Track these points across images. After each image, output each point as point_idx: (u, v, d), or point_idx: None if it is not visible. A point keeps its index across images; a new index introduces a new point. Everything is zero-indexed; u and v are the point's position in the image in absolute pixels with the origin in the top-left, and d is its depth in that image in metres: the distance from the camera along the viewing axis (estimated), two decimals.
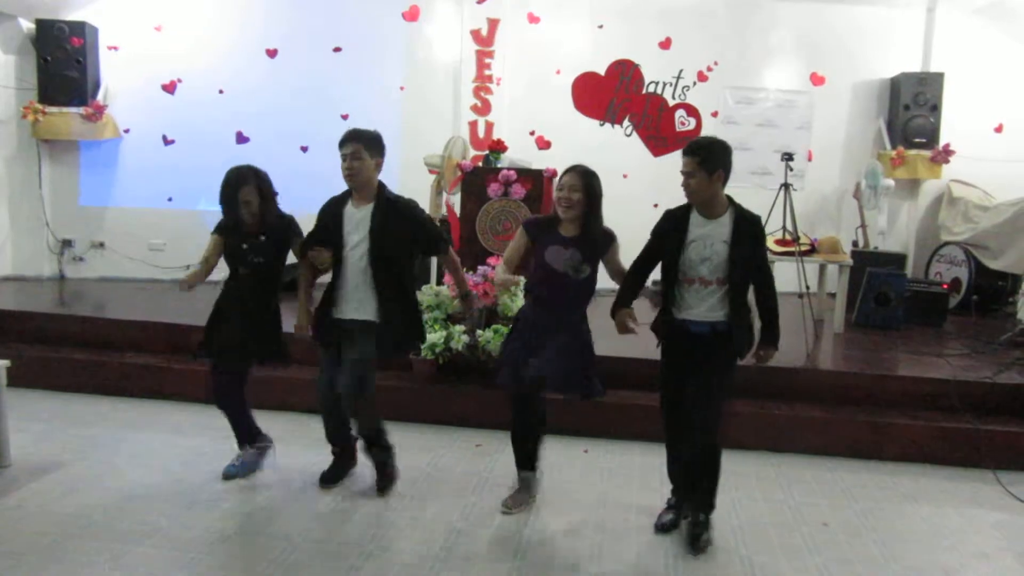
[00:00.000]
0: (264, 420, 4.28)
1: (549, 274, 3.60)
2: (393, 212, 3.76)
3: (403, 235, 3.78)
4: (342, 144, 3.78)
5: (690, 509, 3.56)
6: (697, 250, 3.39)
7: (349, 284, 3.78)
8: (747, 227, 3.39)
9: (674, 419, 3.57)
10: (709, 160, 3.33)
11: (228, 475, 4.02)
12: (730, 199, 3.46)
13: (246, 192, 3.86)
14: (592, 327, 3.76)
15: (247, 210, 3.86)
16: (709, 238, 3.38)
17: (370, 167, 3.78)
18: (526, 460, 3.83)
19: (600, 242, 3.65)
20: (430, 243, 3.93)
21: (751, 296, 3.51)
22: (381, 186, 3.85)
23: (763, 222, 3.52)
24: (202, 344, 4.00)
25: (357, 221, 3.76)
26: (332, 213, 3.84)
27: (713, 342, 3.40)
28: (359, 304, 3.76)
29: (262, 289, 4.00)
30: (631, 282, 3.65)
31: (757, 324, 3.53)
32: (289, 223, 4.00)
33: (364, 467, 4.07)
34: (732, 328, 3.40)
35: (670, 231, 3.48)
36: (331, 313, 3.83)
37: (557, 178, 3.57)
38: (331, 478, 4.03)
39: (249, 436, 4.15)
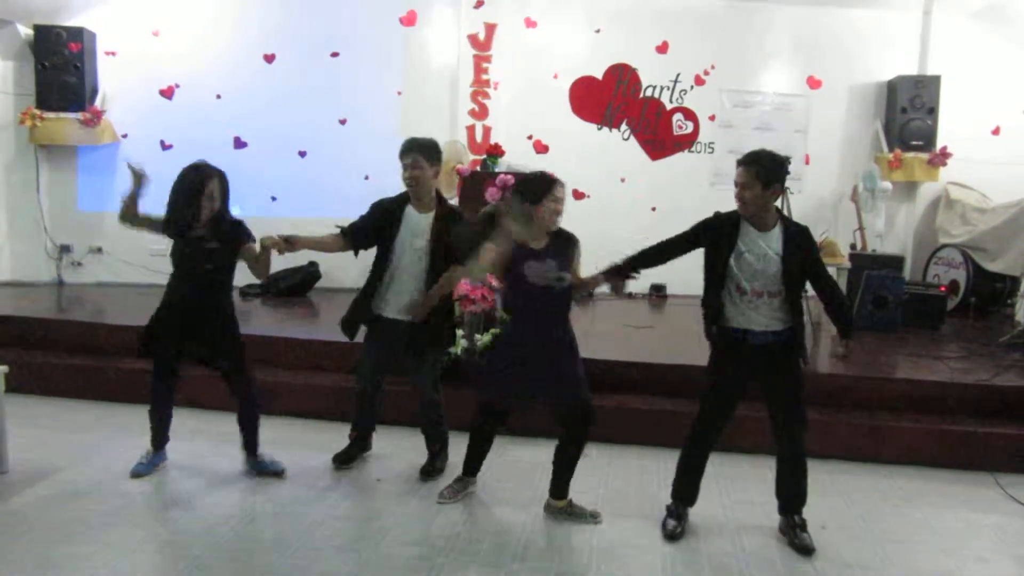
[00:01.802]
0: (262, 426, 4.28)
1: (531, 290, 3.54)
2: (452, 223, 3.96)
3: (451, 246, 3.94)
4: (402, 155, 3.99)
5: (786, 513, 3.60)
6: (750, 263, 3.38)
7: (398, 284, 4.01)
8: (799, 239, 3.43)
9: (716, 429, 3.61)
10: (764, 173, 3.34)
11: (137, 474, 4.07)
12: (778, 210, 3.49)
13: (211, 187, 3.89)
14: (594, 332, 3.78)
15: (208, 206, 3.87)
16: (761, 251, 3.38)
17: (429, 175, 3.98)
18: (476, 467, 3.96)
19: (567, 246, 3.66)
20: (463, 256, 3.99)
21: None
22: (439, 195, 4.09)
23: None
24: (143, 344, 4.05)
25: (415, 226, 3.98)
26: (390, 214, 3.99)
27: (776, 351, 3.45)
28: (408, 307, 3.99)
29: (212, 293, 3.99)
30: (651, 256, 3.61)
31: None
32: (240, 227, 4.01)
33: (362, 465, 4.07)
34: (795, 336, 3.46)
35: (720, 239, 3.44)
36: (372, 307, 4.04)
37: (552, 195, 3.56)
38: (346, 459, 4.29)
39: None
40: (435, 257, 3.95)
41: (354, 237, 4.03)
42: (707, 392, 3.63)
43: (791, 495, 3.60)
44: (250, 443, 4.19)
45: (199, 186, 3.87)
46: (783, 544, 3.58)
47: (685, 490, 3.70)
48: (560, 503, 3.76)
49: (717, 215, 3.55)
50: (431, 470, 4.23)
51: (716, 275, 3.45)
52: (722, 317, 3.49)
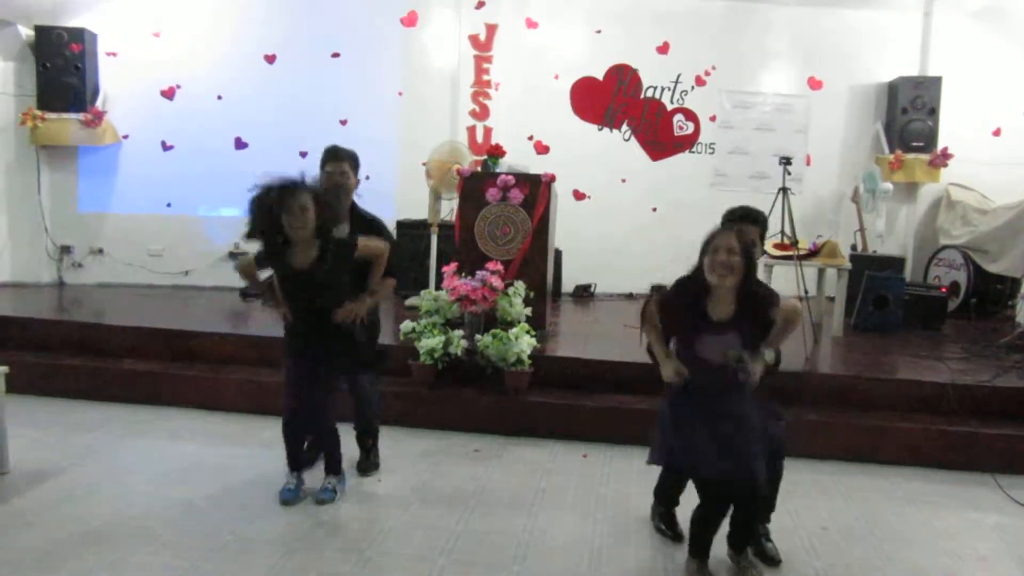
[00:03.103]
0: (260, 425, 4.28)
1: (703, 365, 2.96)
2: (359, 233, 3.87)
3: None
4: (327, 162, 4.02)
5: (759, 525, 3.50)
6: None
7: None
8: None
9: None
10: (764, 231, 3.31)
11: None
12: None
13: (303, 201, 3.46)
14: (594, 333, 3.74)
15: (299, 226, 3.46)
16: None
17: (352, 184, 4.02)
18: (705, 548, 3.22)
19: (761, 313, 2.95)
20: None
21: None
22: (354, 205, 4.06)
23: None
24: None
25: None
26: None
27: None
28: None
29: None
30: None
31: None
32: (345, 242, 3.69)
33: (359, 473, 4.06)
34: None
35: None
36: None
37: (709, 238, 2.93)
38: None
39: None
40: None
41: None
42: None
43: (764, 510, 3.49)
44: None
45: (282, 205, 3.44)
46: (785, 542, 3.57)
47: (673, 495, 3.66)
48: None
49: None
50: (370, 466, 4.23)
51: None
52: None
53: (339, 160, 3.99)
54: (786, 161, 6.79)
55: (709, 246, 2.91)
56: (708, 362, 2.94)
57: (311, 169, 3.79)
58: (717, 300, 2.93)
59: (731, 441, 2.93)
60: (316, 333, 3.64)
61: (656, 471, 3.67)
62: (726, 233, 2.93)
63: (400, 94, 8.51)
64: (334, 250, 3.54)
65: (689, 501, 3.84)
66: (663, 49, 8.73)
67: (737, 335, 2.90)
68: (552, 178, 5.97)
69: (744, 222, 3.31)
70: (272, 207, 3.44)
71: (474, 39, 8.50)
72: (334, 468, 3.90)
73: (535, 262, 5.89)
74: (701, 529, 3.15)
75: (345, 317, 3.61)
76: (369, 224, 3.99)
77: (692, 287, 2.95)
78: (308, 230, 3.46)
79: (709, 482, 3.05)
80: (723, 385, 2.95)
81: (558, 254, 7.60)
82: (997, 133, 8.77)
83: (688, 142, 8.93)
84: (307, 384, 3.73)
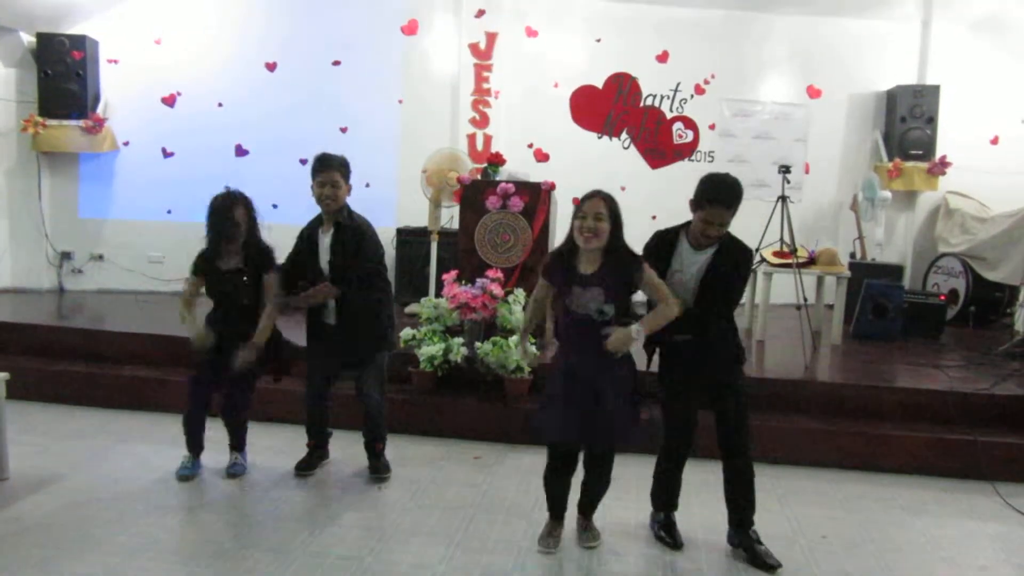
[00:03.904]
0: (263, 432, 4.28)
1: (574, 319, 3.24)
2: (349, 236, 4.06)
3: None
4: (317, 171, 4.01)
5: (743, 527, 3.54)
6: (681, 280, 3.39)
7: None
8: (730, 259, 3.40)
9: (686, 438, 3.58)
10: (738, 204, 3.34)
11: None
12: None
13: (237, 213, 3.97)
14: None
15: (235, 232, 3.97)
16: (693, 266, 3.39)
17: (344, 193, 4.04)
18: (558, 508, 3.60)
19: (626, 272, 3.22)
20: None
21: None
22: (347, 210, 4.11)
23: (759, 235, 3.54)
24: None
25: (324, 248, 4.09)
26: (310, 240, 4.18)
27: (708, 350, 3.41)
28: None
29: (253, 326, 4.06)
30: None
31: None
32: (265, 254, 4.12)
33: (355, 476, 4.06)
34: (720, 337, 3.44)
35: (657, 257, 3.44)
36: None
37: (580, 203, 3.22)
38: (308, 467, 4.31)
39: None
40: (335, 272, 4.03)
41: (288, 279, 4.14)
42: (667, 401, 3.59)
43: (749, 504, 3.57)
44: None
45: (226, 212, 3.94)
46: (784, 551, 3.57)
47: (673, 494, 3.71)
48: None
49: (657, 237, 3.57)
50: (382, 467, 4.28)
51: None
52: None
53: (329, 169, 3.97)
54: (785, 169, 6.80)
55: (579, 211, 3.21)
56: (576, 315, 3.21)
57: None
58: (585, 259, 3.23)
59: (584, 409, 3.21)
60: (229, 333, 4.02)
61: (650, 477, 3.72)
62: (595, 200, 3.19)
63: (400, 102, 8.53)
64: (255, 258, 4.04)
65: (689, 507, 3.85)
66: (662, 57, 8.76)
67: (601, 290, 3.17)
68: (552, 186, 5.99)
69: (717, 206, 3.32)
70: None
71: (474, 47, 8.52)
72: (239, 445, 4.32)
73: (535, 270, 5.89)
74: (545, 486, 3.53)
75: (245, 361, 3.98)
76: (354, 231, 4.04)
77: (565, 248, 3.29)
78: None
79: (555, 443, 3.40)
80: (591, 344, 3.18)
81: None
82: (995, 142, 8.79)
83: (687, 150, 8.94)
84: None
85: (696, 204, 3.36)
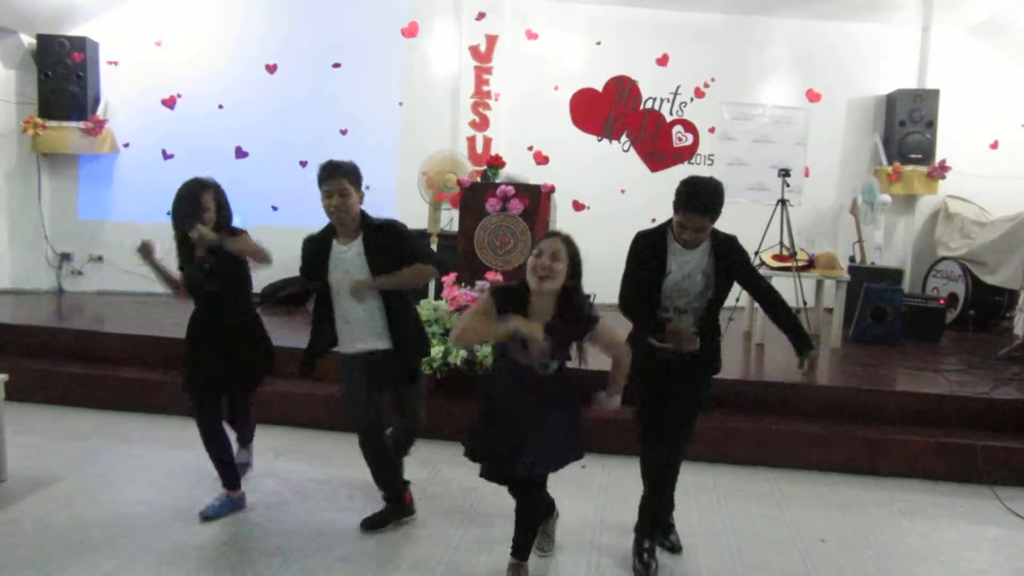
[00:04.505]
0: (261, 434, 4.28)
1: (513, 364, 2.99)
2: (384, 239, 3.53)
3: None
4: (324, 180, 3.49)
5: (658, 529, 3.51)
6: (675, 281, 3.29)
7: (350, 332, 3.59)
8: (726, 254, 3.29)
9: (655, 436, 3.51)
10: (719, 213, 3.22)
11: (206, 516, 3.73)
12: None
13: (206, 199, 3.70)
14: None
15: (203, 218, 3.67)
16: (686, 267, 3.29)
17: (355, 202, 3.51)
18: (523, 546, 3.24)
19: (580, 332, 2.99)
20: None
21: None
22: (364, 217, 3.58)
23: (749, 251, 3.48)
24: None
25: (344, 262, 3.53)
26: (319, 251, 3.60)
27: (684, 365, 3.33)
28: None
29: (223, 315, 3.79)
30: (645, 319, 3.35)
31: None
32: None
33: (358, 480, 4.06)
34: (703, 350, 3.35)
35: (648, 259, 3.32)
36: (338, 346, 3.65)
37: (536, 248, 2.97)
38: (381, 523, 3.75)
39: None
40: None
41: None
42: (638, 398, 3.49)
43: (667, 500, 3.57)
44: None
45: (194, 198, 3.69)
46: (783, 555, 3.57)
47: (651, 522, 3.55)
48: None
49: (640, 237, 3.41)
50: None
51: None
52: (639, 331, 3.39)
53: (336, 177, 3.46)
54: (785, 173, 6.81)
55: (535, 248, 2.98)
56: (517, 361, 2.97)
57: (311, 181, 3.77)
58: (539, 307, 2.94)
59: (511, 441, 2.95)
60: (206, 329, 3.82)
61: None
62: (554, 239, 2.96)
63: (400, 104, 8.54)
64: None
65: (687, 511, 3.84)
66: (662, 61, 8.77)
67: (548, 345, 2.88)
68: (551, 188, 5.99)
69: (691, 213, 3.16)
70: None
71: (474, 50, 8.53)
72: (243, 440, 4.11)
73: None
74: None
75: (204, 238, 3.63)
76: (385, 231, 3.54)
77: (517, 289, 3.00)
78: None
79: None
80: (526, 393, 2.97)
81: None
82: (995, 146, 8.80)
83: (687, 153, 8.95)
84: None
85: (674, 207, 3.27)
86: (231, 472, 3.82)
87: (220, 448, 3.77)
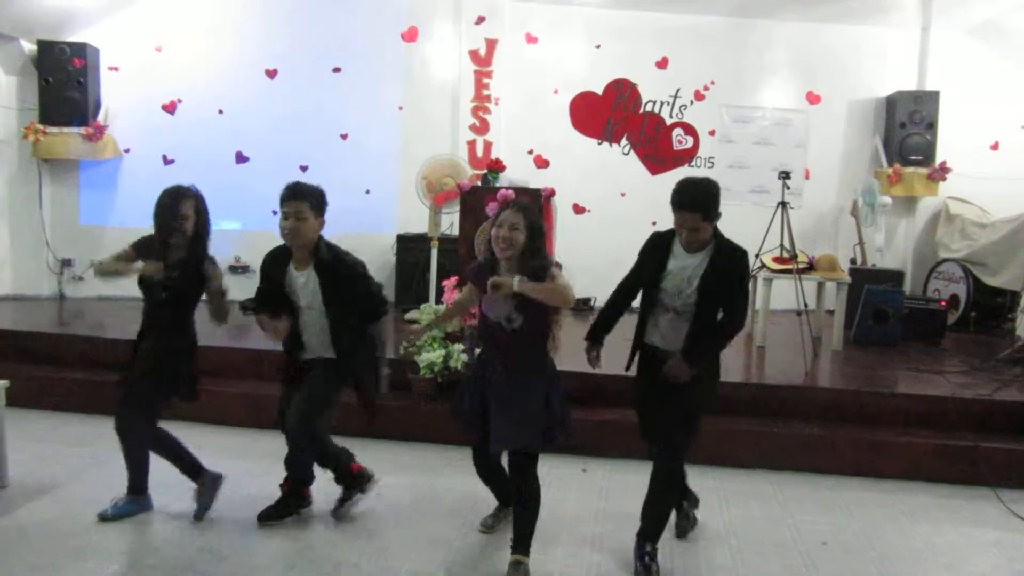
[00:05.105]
0: (260, 437, 4.27)
1: (488, 325, 3.35)
2: (334, 269, 3.62)
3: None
4: (285, 201, 3.59)
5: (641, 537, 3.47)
6: (673, 282, 3.35)
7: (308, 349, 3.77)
8: (724, 262, 3.31)
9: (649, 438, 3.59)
10: (711, 212, 3.26)
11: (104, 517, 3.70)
12: (715, 231, 3.37)
13: (186, 208, 3.73)
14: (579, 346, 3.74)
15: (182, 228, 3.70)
16: (686, 271, 3.33)
17: (312, 227, 3.60)
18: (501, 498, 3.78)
19: (537, 280, 3.20)
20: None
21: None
22: (319, 243, 3.66)
23: (750, 253, 3.47)
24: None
25: (301, 288, 3.65)
26: (277, 271, 3.72)
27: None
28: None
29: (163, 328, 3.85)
30: (610, 310, 3.65)
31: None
32: (204, 266, 3.74)
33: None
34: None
35: (651, 259, 3.45)
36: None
37: (497, 213, 3.33)
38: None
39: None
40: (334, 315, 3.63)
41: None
42: (634, 399, 3.65)
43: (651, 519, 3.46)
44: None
45: (173, 207, 3.70)
46: (785, 557, 3.57)
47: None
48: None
49: (653, 237, 3.56)
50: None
51: (645, 293, 3.49)
52: (642, 332, 3.51)
53: (296, 200, 3.54)
54: (785, 175, 6.81)
55: (496, 220, 3.30)
56: (489, 320, 3.32)
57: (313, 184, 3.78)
58: (505, 269, 3.28)
59: (487, 408, 3.33)
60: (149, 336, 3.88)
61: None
62: (513, 211, 3.26)
63: (400, 108, 8.54)
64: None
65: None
66: (662, 64, 8.78)
67: (511, 298, 3.19)
68: (552, 192, 5.99)
69: (681, 210, 3.27)
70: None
71: (474, 54, 8.54)
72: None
73: None
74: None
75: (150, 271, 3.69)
76: (337, 269, 3.62)
77: (487, 259, 3.38)
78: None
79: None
80: (500, 350, 3.33)
81: (557, 268, 7.60)
82: (995, 147, 8.80)
83: (687, 156, 8.96)
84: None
85: (671, 208, 3.33)
86: (188, 464, 3.90)
87: (159, 451, 3.87)
